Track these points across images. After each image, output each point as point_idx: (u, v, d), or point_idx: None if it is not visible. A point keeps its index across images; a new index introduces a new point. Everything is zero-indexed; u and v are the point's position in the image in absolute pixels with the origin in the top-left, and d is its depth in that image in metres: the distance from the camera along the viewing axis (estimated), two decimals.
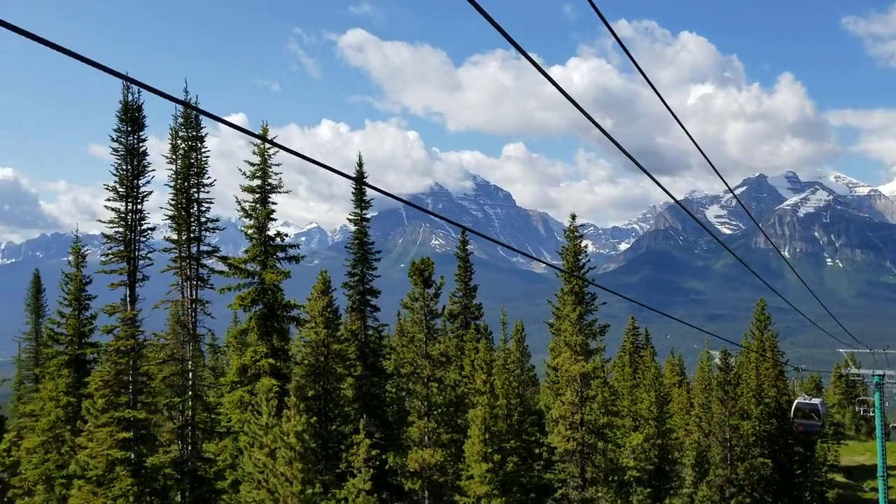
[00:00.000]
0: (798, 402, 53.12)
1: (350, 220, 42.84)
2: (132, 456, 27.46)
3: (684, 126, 11.15)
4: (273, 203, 37.83)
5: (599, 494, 48.62)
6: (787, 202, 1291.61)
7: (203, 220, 35.57)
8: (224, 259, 36.85)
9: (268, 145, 36.50)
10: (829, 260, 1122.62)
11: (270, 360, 34.51)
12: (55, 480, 33.83)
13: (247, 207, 37.24)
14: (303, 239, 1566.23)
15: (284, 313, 37.27)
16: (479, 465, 39.38)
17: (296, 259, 38.26)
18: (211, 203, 36.02)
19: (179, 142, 34.60)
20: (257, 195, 37.44)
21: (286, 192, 37.68)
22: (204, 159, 35.40)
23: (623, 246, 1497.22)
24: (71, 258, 40.26)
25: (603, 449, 50.88)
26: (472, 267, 58.68)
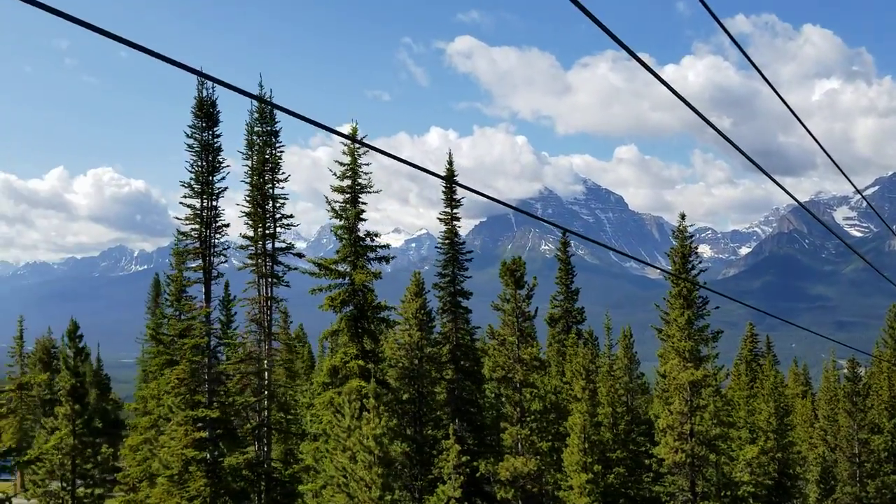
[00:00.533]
0: None
1: (440, 219, 41.92)
2: (208, 455, 27.44)
3: (805, 125, 10.73)
4: (363, 203, 37.39)
5: None
6: None
7: (278, 216, 35.40)
8: (298, 254, 36.55)
9: (358, 145, 36.11)
10: None
11: (360, 362, 33.95)
12: (157, 478, 34.56)
13: (337, 208, 36.93)
14: (413, 245, 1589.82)
15: (375, 315, 36.71)
16: (579, 475, 37.63)
17: (385, 259, 37.61)
18: (286, 199, 35.88)
19: (255, 137, 34.56)
20: (347, 195, 37.04)
21: (376, 192, 37.05)
22: (278, 154, 35.20)
23: (744, 250, 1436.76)
24: (174, 261, 41.19)
25: (715, 462, 47.85)
26: (574, 270, 56.78)
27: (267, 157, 34.67)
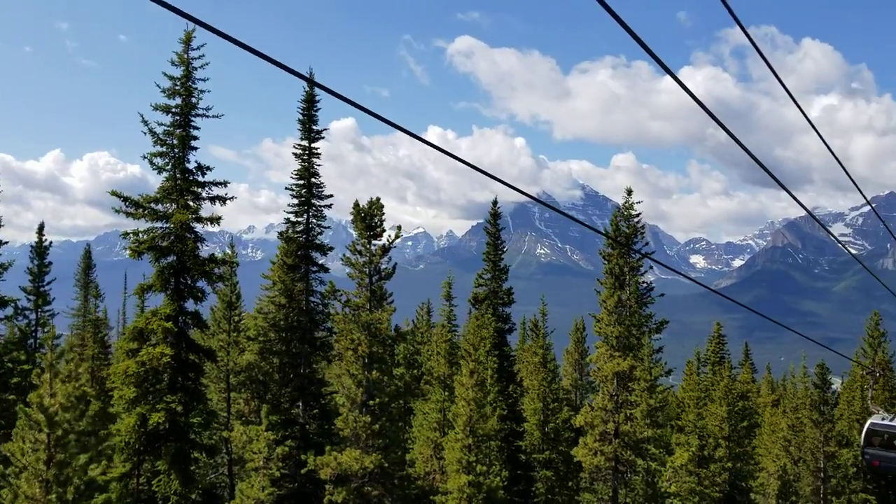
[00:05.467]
0: (872, 424, 30.78)
1: (295, 154, 34.32)
2: None
3: (820, 133, 11.55)
4: (196, 128, 29.86)
5: None
6: None
7: None
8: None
9: (193, 56, 28.94)
10: None
11: (166, 324, 26.88)
12: None
13: (160, 132, 29.37)
14: (409, 243, 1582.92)
15: (199, 268, 29.27)
16: (458, 476, 30.69)
17: (222, 200, 30.15)
18: None
19: None
20: (176, 118, 29.59)
21: (217, 117, 29.79)
22: None
23: (737, 262, 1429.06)
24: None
25: (646, 468, 41.09)
26: (504, 245, 49.87)
27: None
